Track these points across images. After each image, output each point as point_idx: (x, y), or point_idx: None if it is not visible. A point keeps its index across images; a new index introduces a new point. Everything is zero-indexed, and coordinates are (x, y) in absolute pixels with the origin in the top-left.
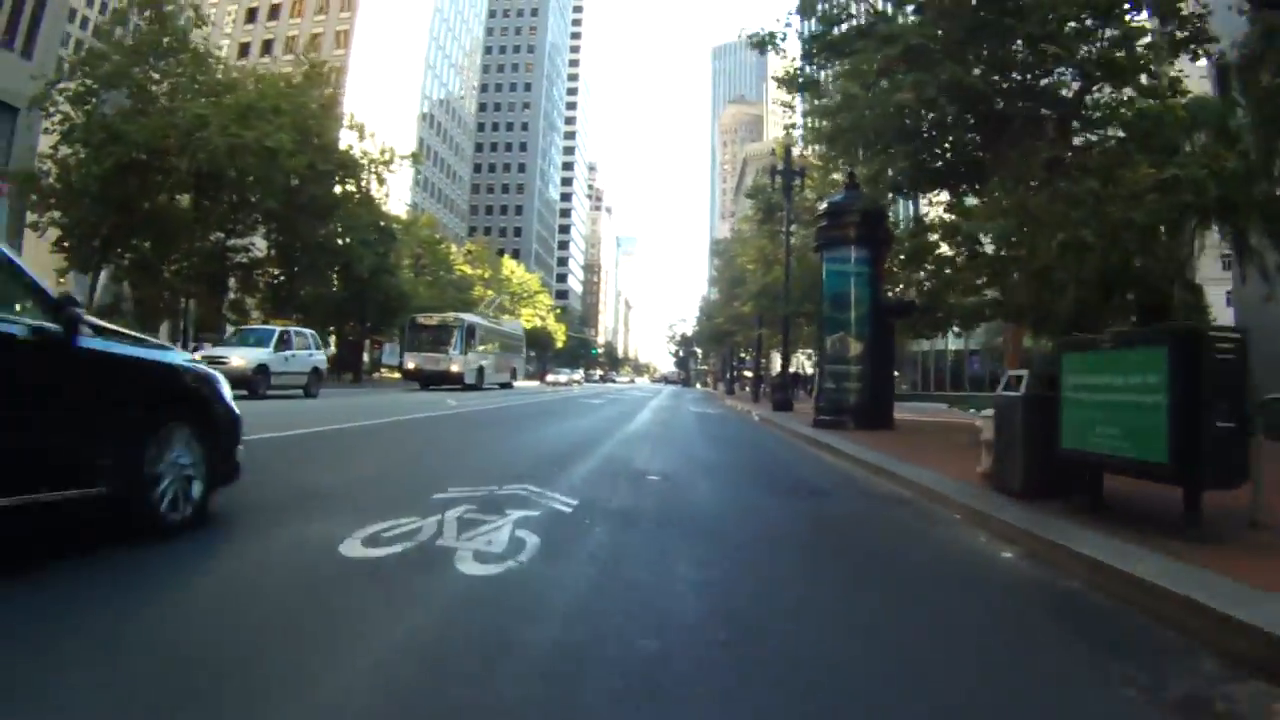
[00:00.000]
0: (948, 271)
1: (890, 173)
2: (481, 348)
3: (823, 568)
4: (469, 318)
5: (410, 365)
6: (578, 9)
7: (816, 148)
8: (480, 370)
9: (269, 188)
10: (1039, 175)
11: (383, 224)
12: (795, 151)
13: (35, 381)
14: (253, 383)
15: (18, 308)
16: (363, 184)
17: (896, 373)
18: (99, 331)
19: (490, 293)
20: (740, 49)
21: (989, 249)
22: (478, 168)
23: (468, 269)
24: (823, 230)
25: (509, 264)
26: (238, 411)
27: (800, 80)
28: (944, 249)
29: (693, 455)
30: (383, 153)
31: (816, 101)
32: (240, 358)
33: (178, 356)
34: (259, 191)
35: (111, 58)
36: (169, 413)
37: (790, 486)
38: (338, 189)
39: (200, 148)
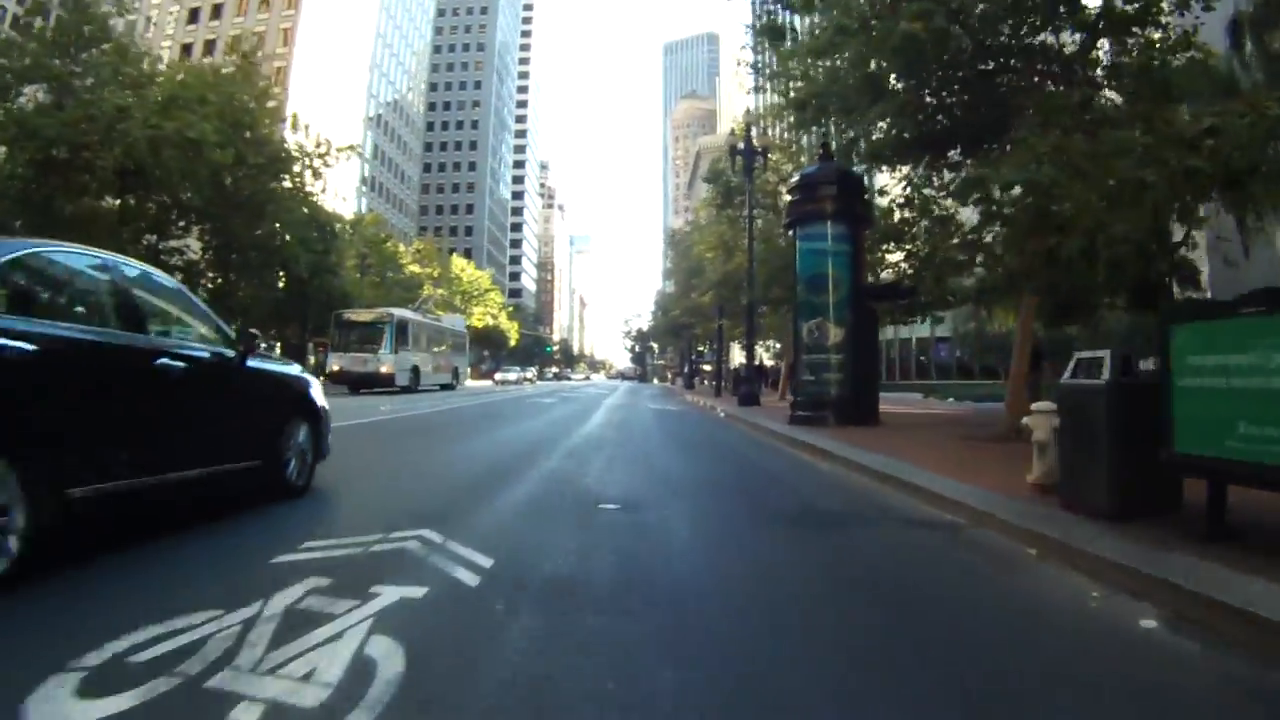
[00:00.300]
0: (926, 250)
1: (874, 137)
2: (417, 346)
3: (899, 681)
4: (401, 313)
5: (335, 367)
6: (528, 7)
7: (781, 123)
8: (415, 371)
9: (194, 182)
10: (1068, 120)
11: (321, 221)
12: (753, 134)
13: (222, 389)
14: None
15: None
16: (297, 179)
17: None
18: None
19: (440, 291)
20: (692, 45)
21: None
22: (427, 167)
23: (416, 268)
24: (795, 205)
25: (459, 262)
26: (328, 407)
27: (777, 25)
28: (923, 224)
29: (656, 468)
30: (318, 145)
31: (790, 65)
32: None
33: (295, 368)
34: (186, 188)
35: (27, 47)
36: (293, 409)
37: (790, 512)
38: (273, 185)
39: (119, 141)
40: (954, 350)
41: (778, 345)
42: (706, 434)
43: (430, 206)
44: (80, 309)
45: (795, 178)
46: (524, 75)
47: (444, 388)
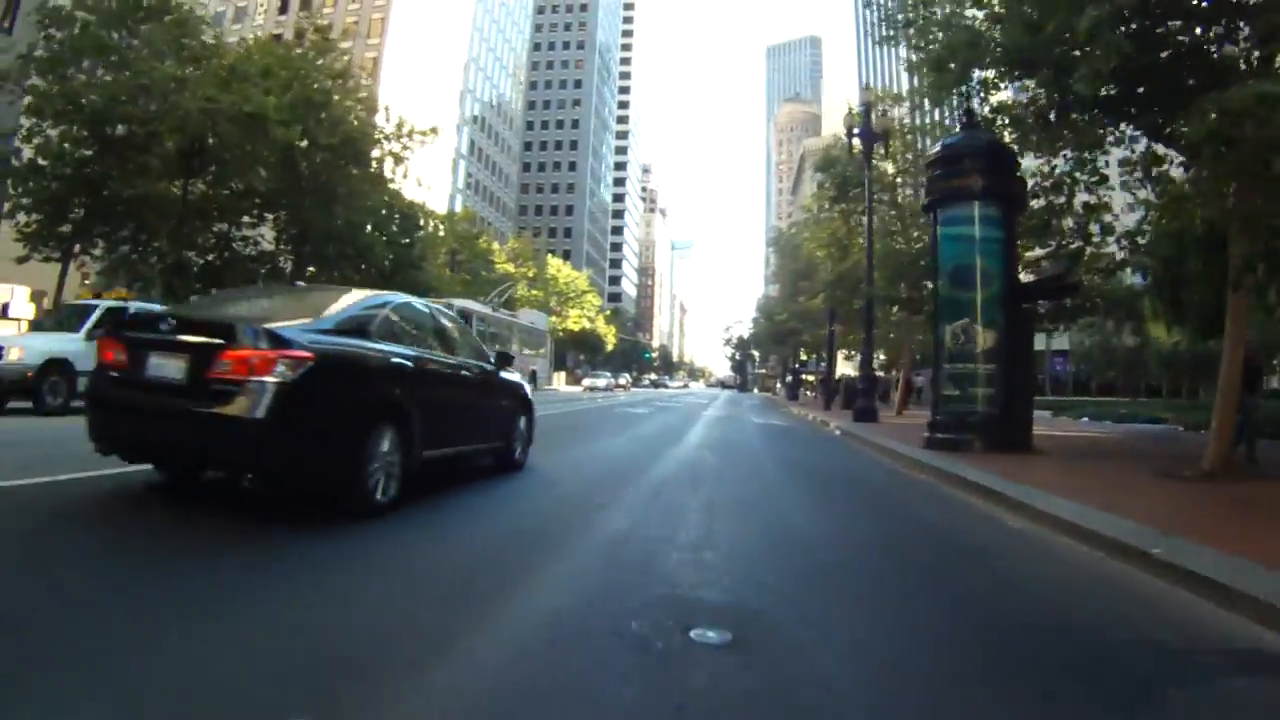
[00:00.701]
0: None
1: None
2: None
3: None
4: (460, 304)
5: None
6: (629, 6)
7: (901, 106)
8: None
9: (254, 162)
10: None
11: (401, 210)
12: (872, 118)
13: (489, 391)
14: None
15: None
16: (376, 164)
17: (918, 385)
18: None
19: (536, 291)
20: (794, 49)
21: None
22: (526, 167)
23: (510, 267)
24: (936, 182)
25: (555, 262)
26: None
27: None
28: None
29: (779, 524)
30: (399, 126)
31: (927, 11)
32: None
33: (518, 375)
34: (251, 169)
35: (75, 15)
36: (520, 405)
37: (1023, 635)
38: (351, 170)
39: (171, 114)
40: (1071, 365)
41: (882, 356)
42: (830, 461)
43: (530, 207)
44: (422, 337)
45: (934, 149)
46: (625, 76)
47: None
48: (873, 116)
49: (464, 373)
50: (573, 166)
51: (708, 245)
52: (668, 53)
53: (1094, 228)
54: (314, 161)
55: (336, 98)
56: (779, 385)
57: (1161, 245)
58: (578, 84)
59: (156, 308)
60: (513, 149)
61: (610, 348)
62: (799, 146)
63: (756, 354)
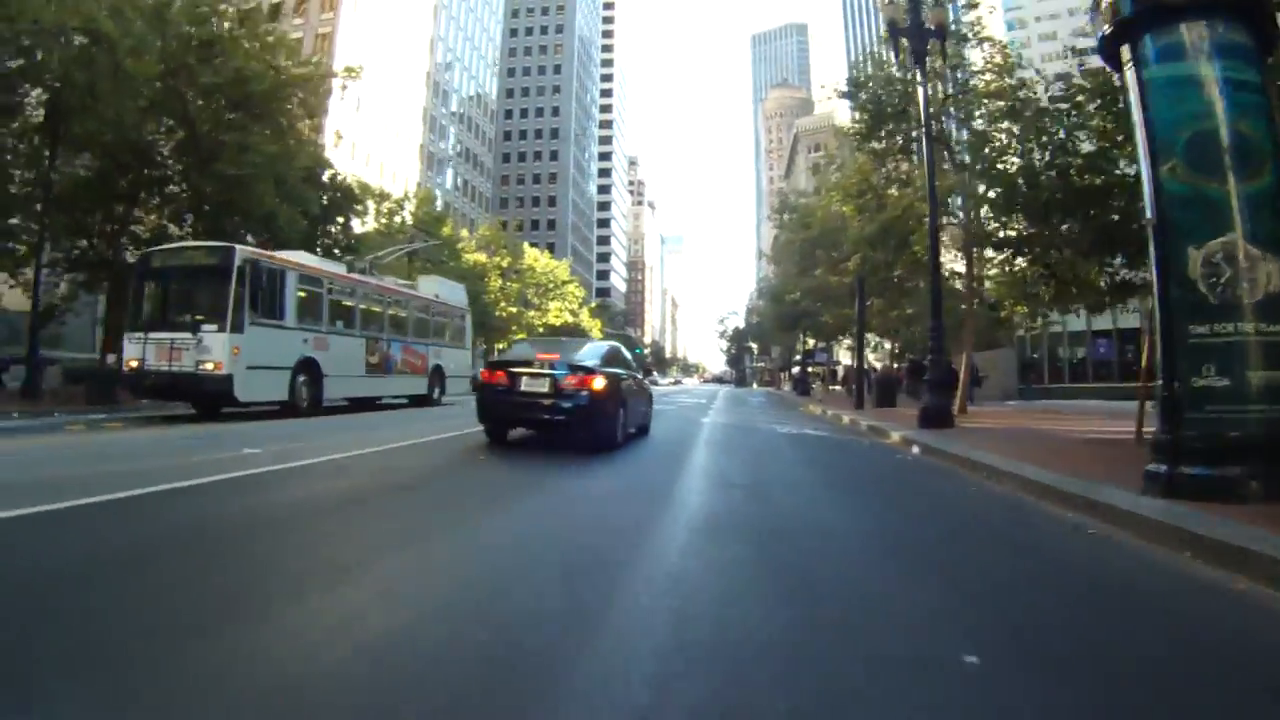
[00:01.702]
0: None
1: None
2: (312, 321)
3: None
4: (251, 252)
5: (133, 363)
6: (608, 5)
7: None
8: (306, 371)
9: (116, 106)
10: None
11: (336, 185)
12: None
13: (642, 391)
14: None
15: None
16: (280, 112)
17: (983, 373)
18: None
19: (514, 284)
20: (780, 36)
21: None
22: (506, 157)
23: (481, 256)
24: None
25: (533, 252)
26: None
27: None
28: None
29: None
30: (308, 63)
31: None
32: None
33: (644, 375)
34: (105, 120)
35: None
36: (649, 400)
37: None
38: (252, 127)
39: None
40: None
41: (887, 344)
42: (975, 528)
43: (510, 199)
44: (628, 362)
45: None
46: (607, 63)
47: (415, 401)
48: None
49: (633, 382)
50: (555, 156)
51: (699, 240)
52: (651, 43)
53: None
54: (204, 114)
55: (233, 39)
56: (785, 379)
57: None
58: (557, 69)
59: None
60: (488, 135)
61: None
62: (789, 133)
63: (754, 346)
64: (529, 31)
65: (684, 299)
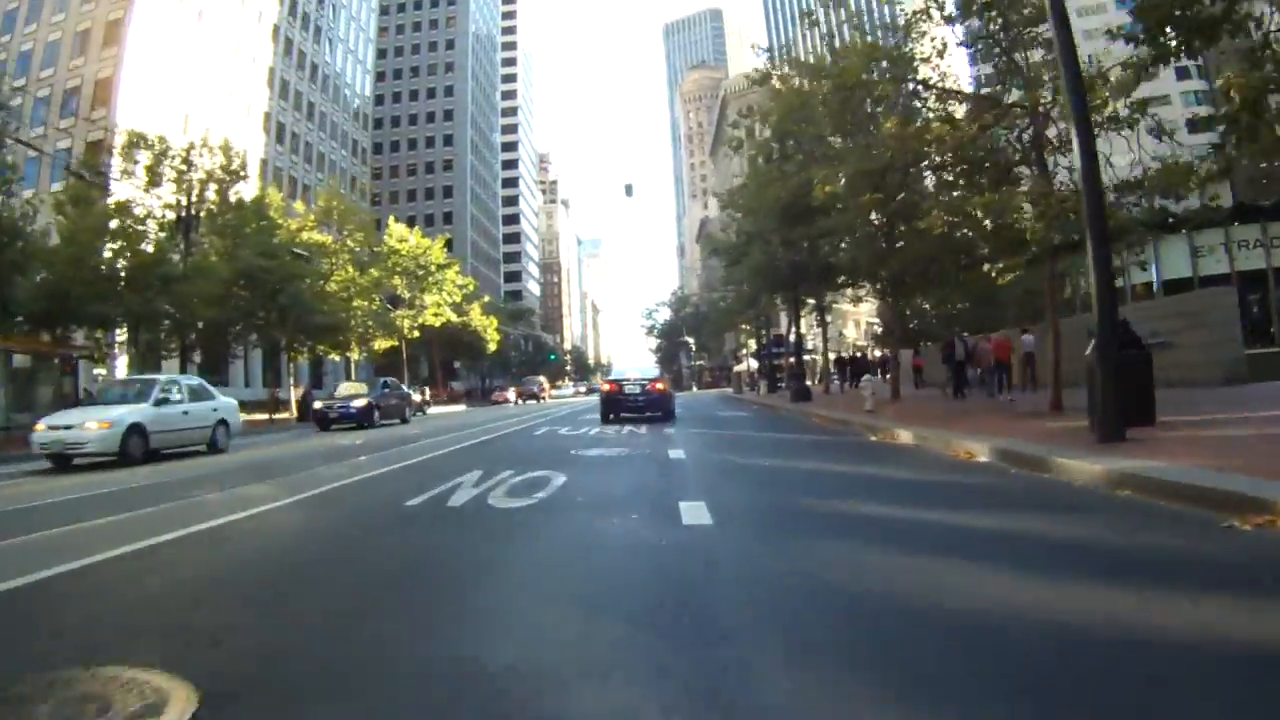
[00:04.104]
0: None
1: None
2: None
3: None
4: None
5: None
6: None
7: None
8: None
9: None
10: None
11: None
12: None
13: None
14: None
15: None
16: None
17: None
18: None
19: (373, 272)
20: (693, 24)
21: None
22: (395, 145)
23: (317, 235)
24: None
25: (398, 229)
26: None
27: None
28: None
29: None
30: None
31: None
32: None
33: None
34: None
35: None
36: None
37: None
38: None
39: None
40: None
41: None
42: None
43: (401, 192)
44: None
45: None
46: (509, 62)
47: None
48: None
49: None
50: (449, 140)
51: (618, 244)
52: (558, 41)
53: None
54: None
55: None
56: (746, 378)
57: None
58: (450, 44)
59: None
60: (364, 111)
61: (493, 348)
62: (710, 115)
63: (691, 341)
64: (401, 8)
65: (605, 304)
